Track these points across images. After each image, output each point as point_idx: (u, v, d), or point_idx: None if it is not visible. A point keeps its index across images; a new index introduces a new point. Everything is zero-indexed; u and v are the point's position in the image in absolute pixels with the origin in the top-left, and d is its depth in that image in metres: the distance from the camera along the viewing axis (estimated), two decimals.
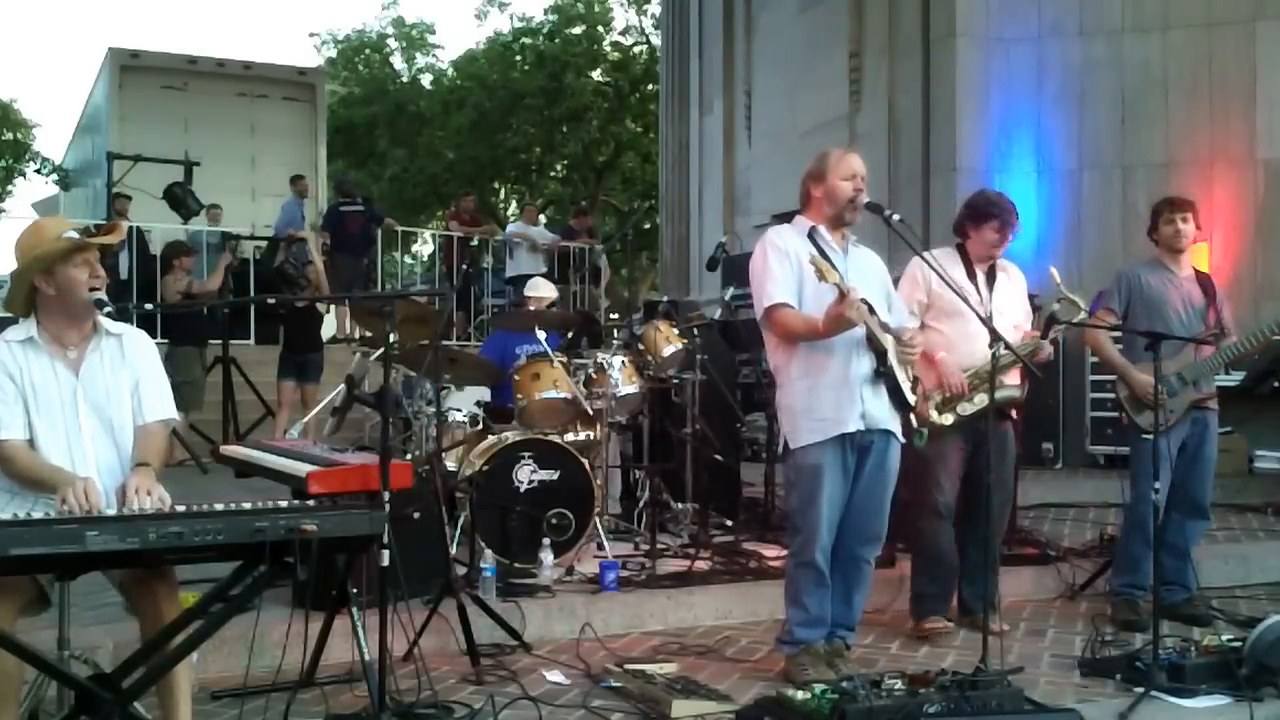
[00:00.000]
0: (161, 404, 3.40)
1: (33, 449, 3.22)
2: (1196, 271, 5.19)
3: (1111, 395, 5.47)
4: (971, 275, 4.73)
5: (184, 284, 9.33)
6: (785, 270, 4.08)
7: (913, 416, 4.21)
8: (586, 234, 14.82)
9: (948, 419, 4.59)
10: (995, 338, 4.35)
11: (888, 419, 4.13)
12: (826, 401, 4.06)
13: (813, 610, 4.15)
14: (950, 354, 4.65)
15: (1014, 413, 4.87)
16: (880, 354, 4.06)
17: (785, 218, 4.42)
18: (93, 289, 3.25)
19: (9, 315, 3.39)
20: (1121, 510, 5.44)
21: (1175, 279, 5.09)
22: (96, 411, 3.30)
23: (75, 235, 3.27)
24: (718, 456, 6.18)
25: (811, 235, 4.14)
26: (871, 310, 4.02)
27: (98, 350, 3.34)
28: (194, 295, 9.15)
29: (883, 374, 4.07)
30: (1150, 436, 4.94)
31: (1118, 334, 5.23)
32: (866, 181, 4.17)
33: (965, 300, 4.33)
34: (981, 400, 4.56)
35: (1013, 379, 4.70)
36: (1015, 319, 4.83)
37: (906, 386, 4.14)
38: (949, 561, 4.83)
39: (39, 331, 3.30)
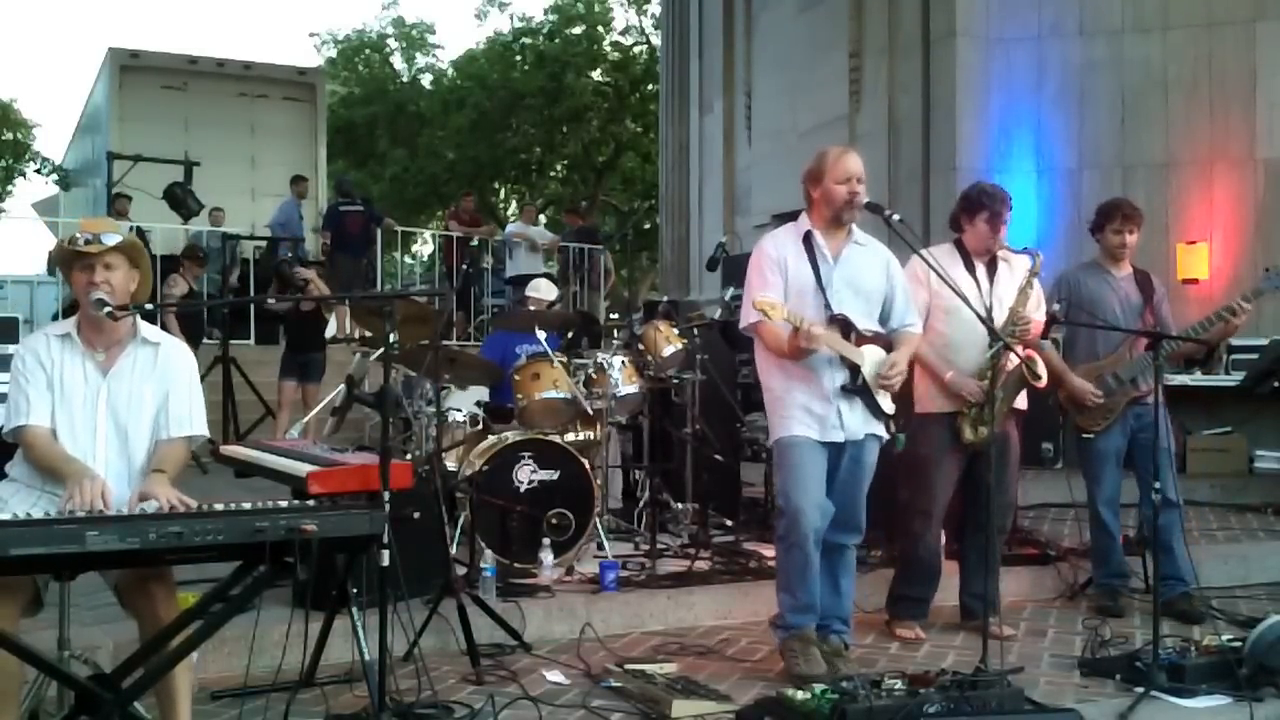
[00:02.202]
0: (190, 420, 3.42)
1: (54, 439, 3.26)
2: (1135, 270, 5.31)
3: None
4: (971, 269, 4.72)
5: (183, 288, 9.37)
6: (775, 278, 4.18)
7: (890, 424, 4.29)
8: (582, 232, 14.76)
9: (984, 431, 4.55)
10: (995, 337, 4.35)
11: (864, 426, 4.21)
12: (799, 403, 4.19)
13: (801, 597, 4.20)
14: (954, 355, 4.66)
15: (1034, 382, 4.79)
16: (853, 370, 4.15)
17: (785, 218, 4.44)
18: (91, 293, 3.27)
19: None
20: (1129, 510, 5.48)
21: (1113, 280, 5.23)
22: (114, 416, 3.33)
23: (87, 237, 3.30)
24: (718, 456, 6.18)
25: (808, 239, 4.22)
26: (848, 327, 4.11)
27: (131, 356, 3.38)
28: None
29: (853, 390, 4.16)
30: (1090, 436, 5.14)
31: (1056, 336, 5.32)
32: (865, 181, 4.20)
33: (965, 301, 4.33)
34: (1000, 394, 4.55)
35: (1013, 360, 4.66)
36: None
37: (883, 399, 4.23)
38: (929, 566, 4.86)
39: (77, 330, 3.37)
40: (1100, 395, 5.08)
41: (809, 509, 4.10)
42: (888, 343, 4.27)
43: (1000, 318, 4.60)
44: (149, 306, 3.49)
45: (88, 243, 3.29)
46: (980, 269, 4.75)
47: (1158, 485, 4.30)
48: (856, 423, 4.18)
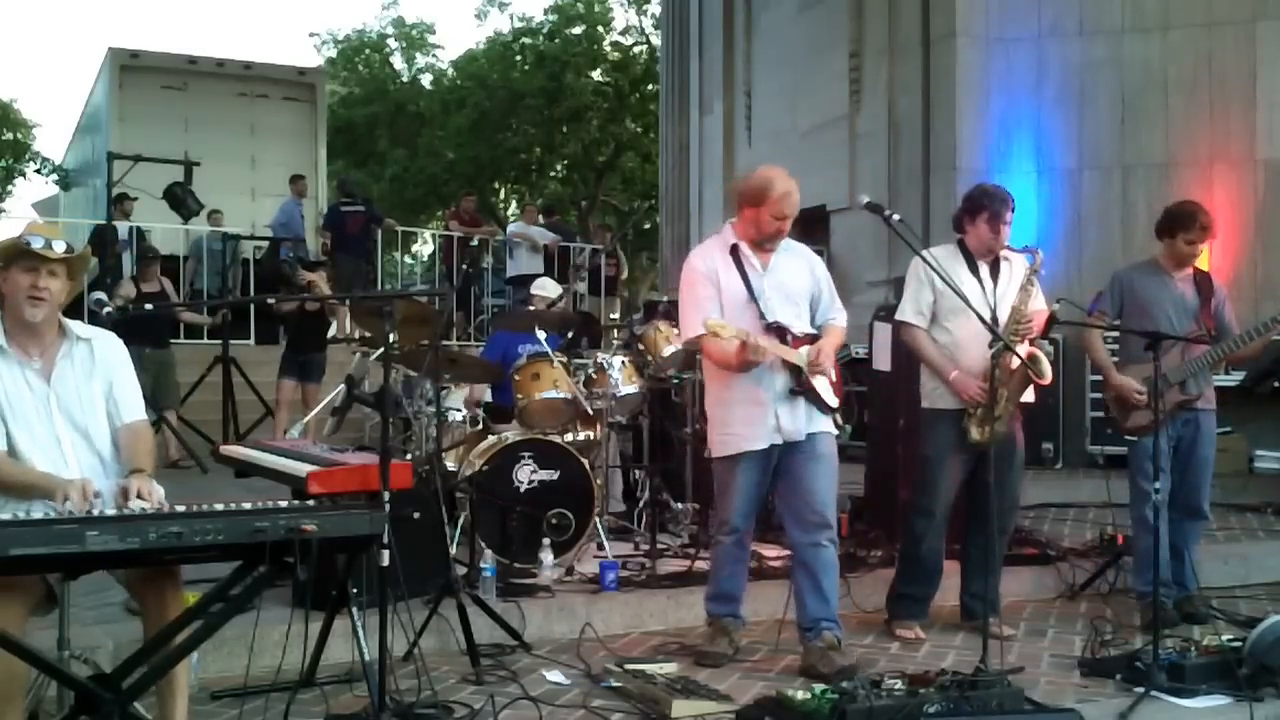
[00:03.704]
0: (139, 403, 3.44)
1: (13, 458, 3.20)
2: (1196, 271, 5.19)
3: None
4: (974, 270, 4.72)
5: (130, 291, 9.28)
6: (709, 291, 4.28)
7: (836, 417, 4.38)
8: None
9: (989, 431, 4.51)
10: (996, 338, 4.35)
11: (808, 425, 4.28)
12: (738, 418, 4.29)
13: (722, 587, 4.46)
14: (959, 354, 4.65)
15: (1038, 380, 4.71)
16: (796, 372, 4.23)
17: None
18: (34, 298, 3.21)
19: None
20: (1125, 510, 5.44)
21: (1170, 281, 5.11)
22: (71, 419, 3.29)
23: (40, 241, 3.23)
24: None
25: (735, 251, 4.32)
26: (783, 333, 4.21)
27: (69, 356, 3.33)
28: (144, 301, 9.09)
29: (799, 391, 4.25)
30: (1136, 437, 5.00)
31: (1110, 335, 5.25)
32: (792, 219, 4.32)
33: (966, 301, 4.34)
34: (1003, 394, 4.54)
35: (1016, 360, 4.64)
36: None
37: (826, 393, 4.31)
38: (929, 565, 4.84)
39: (6, 340, 3.28)
40: (1144, 394, 4.88)
41: (732, 517, 4.35)
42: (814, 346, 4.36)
43: (1005, 318, 4.60)
44: (148, 307, 3.49)
45: (37, 246, 3.20)
46: (984, 269, 4.74)
47: (1157, 486, 4.29)
48: (799, 423, 4.26)
